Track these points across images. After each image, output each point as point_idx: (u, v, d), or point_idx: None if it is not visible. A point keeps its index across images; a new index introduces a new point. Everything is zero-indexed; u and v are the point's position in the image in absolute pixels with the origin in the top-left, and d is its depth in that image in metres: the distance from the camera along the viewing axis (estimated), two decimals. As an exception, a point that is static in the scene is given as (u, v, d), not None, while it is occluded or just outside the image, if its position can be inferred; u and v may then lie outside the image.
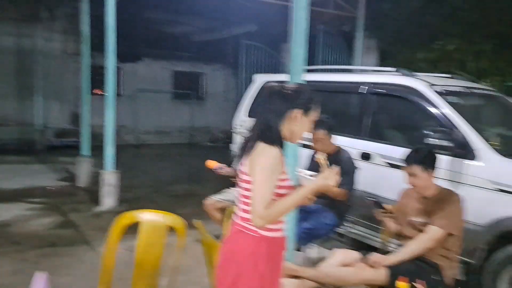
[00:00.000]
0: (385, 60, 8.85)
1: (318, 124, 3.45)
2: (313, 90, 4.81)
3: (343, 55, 9.43)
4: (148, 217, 2.39)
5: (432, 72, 6.39)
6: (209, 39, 11.44)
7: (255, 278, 1.72)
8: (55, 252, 4.01)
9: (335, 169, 1.89)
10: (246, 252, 1.72)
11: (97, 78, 11.51)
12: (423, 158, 2.63)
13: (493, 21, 7.46)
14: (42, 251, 4.00)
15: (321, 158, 2.40)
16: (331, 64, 9.21)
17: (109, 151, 5.48)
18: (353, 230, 4.01)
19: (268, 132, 1.73)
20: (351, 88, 4.25)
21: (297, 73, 2.47)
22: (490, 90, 4.12)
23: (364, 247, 3.74)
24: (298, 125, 1.80)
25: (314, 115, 1.86)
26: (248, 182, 1.72)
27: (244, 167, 1.74)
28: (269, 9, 8.58)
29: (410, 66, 7.59)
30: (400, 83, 3.79)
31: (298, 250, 3.40)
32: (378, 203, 2.81)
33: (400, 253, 2.58)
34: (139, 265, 2.33)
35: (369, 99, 4.00)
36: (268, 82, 5.36)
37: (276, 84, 1.92)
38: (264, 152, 1.69)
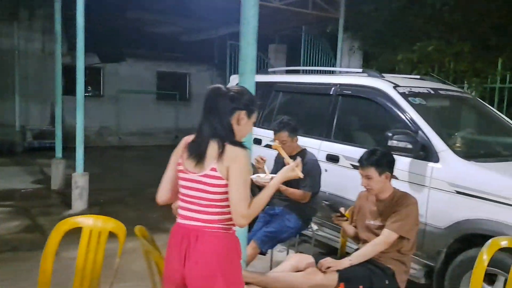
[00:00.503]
0: (369, 61, 8.85)
1: (281, 126, 3.40)
2: (284, 91, 4.77)
3: (327, 56, 9.41)
4: (88, 222, 2.30)
5: (411, 73, 6.43)
6: (195, 40, 11.35)
7: (236, 273, 1.83)
8: (16, 257, 3.91)
9: (298, 160, 2.08)
10: (223, 251, 1.78)
11: (84, 79, 11.50)
12: (377, 160, 2.58)
13: (472, 23, 7.48)
14: (2, 255, 3.90)
15: (277, 145, 2.38)
16: (314, 65, 9.20)
17: (80, 153, 5.38)
18: (320, 233, 3.95)
19: (228, 133, 1.79)
20: (319, 90, 4.20)
21: (248, 73, 2.40)
22: (459, 92, 4.08)
23: (333, 250, 3.70)
24: (243, 126, 1.86)
25: (255, 116, 1.93)
26: (220, 185, 1.75)
27: (212, 170, 1.76)
28: (259, 10, 8.52)
29: (391, 67, 7.62)
30: (365, 84, 3.74)
31: (262, 254, 3.33)
32: (333, 206, 2.75)
33: (352, 257, 2.52)
34: (80, 270, 2.25)
35: (336, 101, 3.95)
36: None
37: (221, 86, 1.91)
38: (240, 155, 1.75)
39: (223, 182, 1.75)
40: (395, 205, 2.57)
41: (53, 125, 10.06)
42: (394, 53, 7.55)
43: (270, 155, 3.74)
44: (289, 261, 2.62)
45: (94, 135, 11.20)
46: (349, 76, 4.23)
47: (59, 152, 6.45)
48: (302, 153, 3.48)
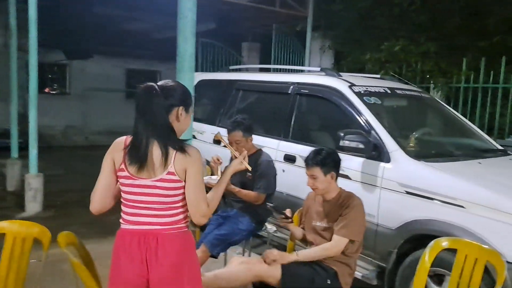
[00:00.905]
0: (340, 60, 8.86)
1: (234, 125, 3.31)
2: (244, 89, 4.67)
3: (299, 55, 9.37)
4: (13, 228, 2.15)
5: (379, 73, 6.43)
6: (165, 37, 11.12)
7: (197, 270, 1.90)
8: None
9: (245, 152, 2.20)
10: (189, 248, 1.83)
11: (49, 76, 11.16)
12: (323, 160, 2.52)
13: (438, 23, 7.56)
14: None
15: (220, 137, 2.51)
16: (285, 64, 9.14)
17: (33, 153, 5.15)
18: (278, 234, 3.88)
19: (169, 133, 1.75)
20: (278, 88, 4.13)
21: (186, 70, 2.29)
22: (418, 92, 4.07)
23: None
24: (182, 122, 1.83)
25: (193, 109, 1.91)
26: (178, 188, 1.75)
27: (169, 175, 1.73)
28: (228, 8, 8.42)
29: (360, 67, 7.64)
30: (322, 83, 3.68)
31: (214, 257, 3.23)
32: (277, 208, 2.67)
33: (300, 254, 2.47)
34: (2, 280, 2.10)
35: (294, 100, 3.89)
36: (202, 80, 5.20)
37: (153, 84, 1.84)
38: (196, 156, 1.77)
39: (181, 184, 1.75)
40: (341, 206, 2.52)
41: (20, 124, 9.76)
42: (363, 53, 7.57)
43: (228, 155, 3.65)
44: (234, 264, 2.52)
45: (60, 134, 10.87)
46: (307, 75, 4.18)
47: (14, 152, 6.19)
48: (258, 153, 3.40)
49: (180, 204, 1.79)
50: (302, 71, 5.07)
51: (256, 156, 3.38)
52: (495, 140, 4.96)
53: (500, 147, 3.82)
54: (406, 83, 4.27)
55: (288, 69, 5.53)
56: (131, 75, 11.84)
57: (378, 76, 4.36)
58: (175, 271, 1.76)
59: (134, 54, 11.39)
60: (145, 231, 1.77)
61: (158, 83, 1.83)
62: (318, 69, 4.00)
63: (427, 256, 2.31)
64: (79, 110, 10.86)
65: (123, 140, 1.83)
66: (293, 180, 3.65)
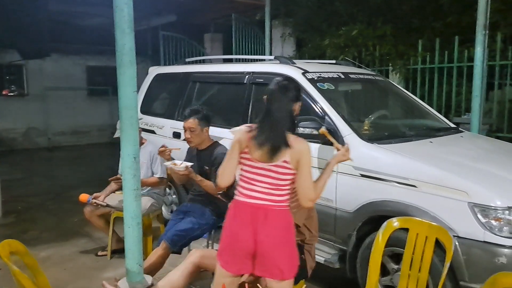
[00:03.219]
0: (301, 47, 8.87)
1: (190, 113, 3.26)
2: (200, 81, 4.59)
3: (259, 44, 9.32)
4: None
5: (338, 58, 6.48)
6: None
7: (294, 242, 2.15)
8: None
9: (347, 145, 2.48)
10: (290, 224, 2.11)
11: (6, 78, 10.69)
12: None
13: (394, 6, 7.67)
14: None
15: (325, 131, 2.69)
16: (246, 54, 9.08)
17: (-13, 158, 4.93)
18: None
19: (291, 124, 2.07)
20: (234, 79, 4.10)
21: (126, 64, 2.22)
22: (371, 75, 4.12)
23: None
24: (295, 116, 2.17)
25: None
26: (289, 174, 2.04)
27: (284, 162, 2.01)
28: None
29: (321, 53, 7.67)
30: (276, 71, 3.66)
31: (177, 253, 3.19)
32: (227, 195, 2.63)
33: None
34: None
35: (250, 89, 3.86)
36: (159, 74, 5.09)
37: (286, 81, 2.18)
38: (307, 148, 2.05)
39: (291, 172, 2.04)
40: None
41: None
42: (323, 39, 7.60)
43: (186, 148, 3.61)
44: (190, 259, 2.49)
45: (21, 137, 10.50)
46: (262, 64, 4.16)
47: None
48: (214, 145, 3.37)
49: (288, 187, 2.08)
50: (258, 60, 5.02)
51: (211, 148, 3.35)
52: (453, 119, 5.12)
53: (453, 125, 3.92)
54: (361, 67, 4.31)
55: (246, 59, 5.47)
56: (92, 72, 11.47)
57: (334, 61, 4.38)
58: (278, 242, 2.03)
59: (94, 51, 11.07)
60: (257, 205, 2.06)
61: (285, 81, 2.17)
62: (273, 57, 3.97)
63: (380, 236, 2.36)
64: (40, 111, 10.49)
65: (248, 128, 2.09)
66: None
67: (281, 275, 2.06)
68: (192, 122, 3.22)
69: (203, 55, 9.40)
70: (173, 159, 3.22)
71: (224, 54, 9.85)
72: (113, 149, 12.06)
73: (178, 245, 3.14)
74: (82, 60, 11.14)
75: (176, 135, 4.48)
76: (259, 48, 9.37)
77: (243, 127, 2.12)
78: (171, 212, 4.70)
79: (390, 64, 6.69)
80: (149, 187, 3.92)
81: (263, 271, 2.07)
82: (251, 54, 8.89)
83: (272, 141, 2.00)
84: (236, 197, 2.13)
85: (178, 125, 4.50)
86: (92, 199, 3.76)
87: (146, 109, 5.02)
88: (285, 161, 2.02)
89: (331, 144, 3.08)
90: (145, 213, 3.73)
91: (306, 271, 2.46)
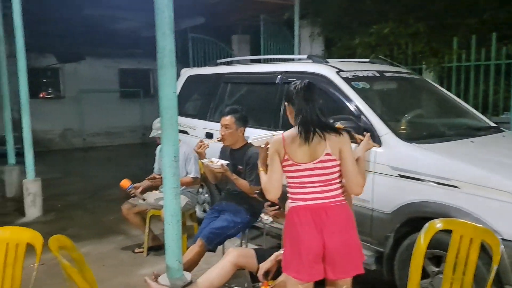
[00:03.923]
0: (331, 47, 8.79)
1: (229, 111, 3.31)
2: (232, 82, 4.63)
3: (288, 44, 9.30)
4: (4, 235, 2.15)
5: (369, 57, 6.38)
6: (155, 34, 11.07)
7: (357, 233, 2.16)
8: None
9: (367, 134, 2.50)
10: (350, 216, 2.13)
11: (43, 81, 11.11)
12: None
13: (427, 3, 7.49)
14: None
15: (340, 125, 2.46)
16: (275, 54, 9.08)
17: (29, 158, 5.15)
18: (276, 225, 3.88)
19: (326, 119, 2.14)
20: (265, 79, 4.11)
21: (167, 66, 2.27)
22: (407, 73, 4.04)
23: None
24: None
25: None
26: (336, 166, 2.06)
27: (327, 155, 2.03)
28: (215, 1, 8.35)
29: (350, 52, 7.58)
30: (309, 70, 3.65)
31: (211, 251, 3.23)
32: (263, 195, 2.62)
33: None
34: (-2, 287, 2.10)
35: (282, 89, 3.85)
36: (191, 75, 5.17)
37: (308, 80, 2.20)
38: (346, 137, 2.08)
39: (337, 163, 2.06)
40: None
41: (16, 130, 9.74)
42: (353, 38, 7.51)
43: (218, 148, 3.65)
44: (228, 258, 2.52)
45: (58, 138, 10.88)
46: (294, 63, 4.15)
47: (11, 159, 6.20)
48: (247, 146, 3.39)
49: (338, 180, 2.10)
50: (290, 60, 5.02)
51: (245, 148, 3.37)
52: (490, 118, 4.95)
53: (493, 125, 3.80)
54: (396, 66, 4.23)
55: (276, 59, 5.47)
56: (124, 74, 11.81)
57: (367, 60, 4.33)
58: (346, 238, 2.05)
59: (125, 54, 11.35)
60: (315, 205, 2.06)
61: (307, 80, 2.20)
62: (305, 56, 3.96)
63: (422, 238, 2.30)
64: (75, 113, 10.86)
65: (280, 137, 2.10)
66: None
67: (355, 269, 2.08)
68: (228, 119, 3.26)
69: (230, 57, 9.47)
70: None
71: (251, 55, 9.89)
72: (144, 149, 12.39)
73: (214, 243, 3.17)
74: (114, 63, 11.45)
75: (209, 135, 4.53)
76: (287, 49, 9.35)
77: (276, 138, 2.11)
78: (204, 211, 4.75)
79: (423, 63, 6.54)
80: (183, 186, 3.98)
81: (336, 272, 2.06)
82: (279, 55, 8.89)
83: (309, 138, 2.02)
84: (291, 204, 2.12)
85: (210, 126, 4.56)
86: (133, 187, 3.82)
87: (179, 110, 5.07)
88: (327, 154, 2.04)
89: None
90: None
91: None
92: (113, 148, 11.08)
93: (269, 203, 2.58)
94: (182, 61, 11.64)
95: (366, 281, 3.44)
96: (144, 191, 3.95)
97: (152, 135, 3.94)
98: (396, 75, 3.85)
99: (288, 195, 2.13)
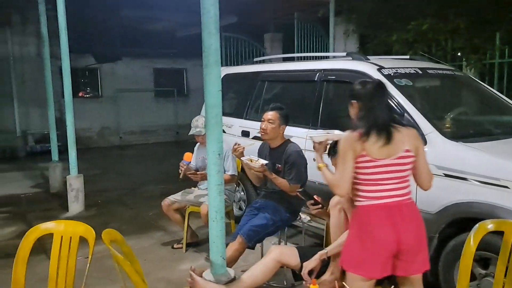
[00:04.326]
0: (365, 44, 8.65)
1: (274, 107, 3.33)
2: (269, 80, 4.64)
3: (322, 42, 9.23)
4: (59, 228, 2.25)
5: (407, 54, 6.24)
6: (189, 34, 11.23)
7: None
8: (9, 263, 3.87)
9: None
10: (419, 214, 2.16)
11: (82, 81, 11.52)
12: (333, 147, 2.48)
13: (467, -3, 7.24)
14: (-6, 263, 3.90)
15: None
16: (308, 51, 9.03)
17: (72, 155, 5.34)
18: (313, 224, 3.87)
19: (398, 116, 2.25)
20: (304, 77, 4.09)
21: (212, 65, 2.30)
22: (450, 70, 3.93)
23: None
24: None
25: None
26: (412, 162, 2.06)
27: (406, 152, 2.04)
28: (250, 0, 8.41)
29: (386, 49, 7.43)
30: (349, 68, 3.61)
31: (250, 248, 3.26)
32: (306, 193, 2.62)
33: (329, 249, 2.41)
34: (53, 278, 2.20)
35: (321, 87, 3.84)
36: (227, 74, 5.21)
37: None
38: (417, 133, 2.13)
39: (413, 160, 2.06)
40: None
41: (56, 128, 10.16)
42: (389, 34, 7.36)
43: (255, 147, 3.67)
44: (271, 255, 2.53)
45: (96, 136, 11.24)
46: (333, 61, 4.11)
47: (55, 155, 6.45)
48: (286, 144, 3.39)
49: (409, 177, 2.10)
50: (327, 57, 4.98)
51: (284, 146, 3.37)
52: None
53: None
54: (438, 62, 4.12)
55: (314, 56, 5.44)
56: (159, 74, 12.05)
57: (407, 57, 4.23)
58: (418, 234, 2.08)
59: (160, 54, 11.58)
60: (390, 203, 2.04)
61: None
62: (344, 54, 3.92)
63: (472, 239, 2.23)
64: (112, 112, 11.19)
65: (354, 134, 2.04)
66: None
67: (425, 266, 2.10)
68: (273, 114, 3.28)
69: (263, 55, 9.49)
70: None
71: (283, 53, 9.87)
72: (178, 147, 12.59)
73: (253, 240, 3.19)
74: (149, 63, 11.70)
75: (245, 133, 4.57)
76: (320, 46, 9.28)
77: (350, 134, 2.05)
78: (239, 209, 4.79)
79: (463, 59, 6.33)
80: (222, 184, 4.02)
81: (410, 269, 2.07)
82: (313, 52, 8.83)
83: (390, 134, 2.02)
84: (362, 203, 2.08)
85: (246, 124, 4.59)
86: (187, 164, 3.85)
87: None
88: (407, 150, 2.04)
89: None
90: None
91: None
92: (148, 146, 11.34)
93: (312, 201, 2.58)
94: (215, 60, 11.79)
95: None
96: (184, 177, 3.97)
97: (191, 133, 4.01)
98: (439, 72, 3.75)
99: (359, 193, 2.09)
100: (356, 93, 2.16)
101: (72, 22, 5.76)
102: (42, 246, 4.26)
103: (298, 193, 2.64)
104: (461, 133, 3.03)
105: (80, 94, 11.36)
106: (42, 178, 7.42)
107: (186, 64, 12.25)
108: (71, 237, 2.23)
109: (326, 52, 8.69)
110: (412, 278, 2.12)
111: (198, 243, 4.20)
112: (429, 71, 3.65)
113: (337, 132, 2.41)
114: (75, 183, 5.36)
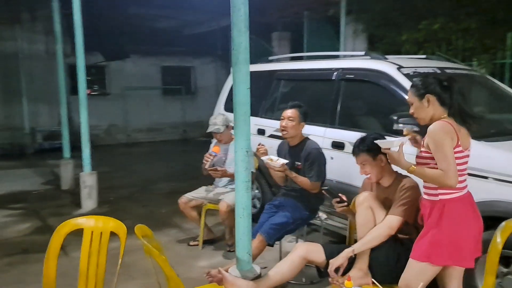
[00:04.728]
0: (374, 43, 8.66)
1: (294, 105, 3.35)
2: (285, 79, 4.66)
3: (331, 40, 9.23)
4: (90, 223, 2.28)
5: (417, 53, 6.25)
6: (197, 32, 11.26)
7: None
8: (25, 259, 3.92)
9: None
10: None
11: (89, 78, 11.52)
12: (369, 145, 2.50)
13: (478, -2, 7.24)
14: (12, 258, 3.92)
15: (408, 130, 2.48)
16: (317, 51, 9.02)
17: (86, 152, 5.38)
18: (329, 222, 3.90)
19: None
20: (321, 75, 4.10)
21: (242, 63, 2.32)
22: (467, 70, 3.94)
23: (342, 238, 3.63)
24: None
25: None
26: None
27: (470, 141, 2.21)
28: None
29: (396, 49, 7.44)
30: (369, 67, 3.63)
31: (270, 245, 3.28)
32: (331, 192, 2.64)
33: (355, 246, 2.42)
34: (83, 272, 2.23)
35: (339, 86, 3.85)
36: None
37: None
38: None
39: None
40: (397, 190, 2.49)
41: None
42: (399, 34, 7.36)
43: (273, 145, 3.69)
44: (297, 252, 2.55)
45: (103, 133, 11.26)
46: (351, 60, 4.12)
47: (67, 153, 6.47)
48: (305, 142, 3.41)
49: None
50: (337, 56, 4.98)
51: (303, 144, 3.40)
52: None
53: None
54: (454, 62, 4.13)
55: (328, 55, 5.45)
56: (166, 72, 12.06)
57: (424, 56, 4.24)
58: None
59: (168, 52, 11.61)
60: (469, 192, 2.22)
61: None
62: (363, 53, 3.93)
63: (499, 237, 2.25)
64: (120, 109, 11.20)
65: (448, 124, 2.11)
66: (343, 167, 3.63)
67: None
68: (293, 111, 3.31)
69: (271, 54, 9.50)
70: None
71: (291, 53, 9.87)
72: (185, 146, 12.58)
73: (274, 238, 3.22)
74: (157, 60, 11.72)
75: (261, 132, 4.58)
76: (330, 46, 9.28)
77: (444, 124, 2.10)
78: (253, 206, 4.81)
79: (474, 59, 6.34)
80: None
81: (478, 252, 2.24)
82: (322, 52, 8.83)
83: (471, 126, 2.17)
84: (456, 195, 2.15)
85: (262, 122, 4.61)
86: (215, 156, 3.87)
87: (230, 106, 5.17)
88: (470, 142, 2.22)
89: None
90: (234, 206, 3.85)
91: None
92: (155, 144, 11.36)
93: (337, 199, 2.60)
94: (223, 59, 11.82)
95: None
96: (206, 172, 3.98)
97: (209, 130, 4.03)
98: (457, 71, 3.76)
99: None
100: (431, 86, 2.18)
101: (82, 20, 5.78)
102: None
103: (323, 191, 2.66)
104: (483, 132, 3.02)
105: (87, 92, 11.39)
106: (52, 175, 7.46)
107: (193, 62, 12.27)
108: (101, 233, 2.25)
109: (335, 51, 8.69)
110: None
111: (214, 240, 4.23)
112: (447, 71, 3.66)
113: (395, 138, 2.43)
114: (89, 180, 5.39)
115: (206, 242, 4.14)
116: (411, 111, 2.31)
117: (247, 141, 2.42)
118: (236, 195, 2.48)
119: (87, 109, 5.33)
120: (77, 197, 5.73)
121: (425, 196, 2.24)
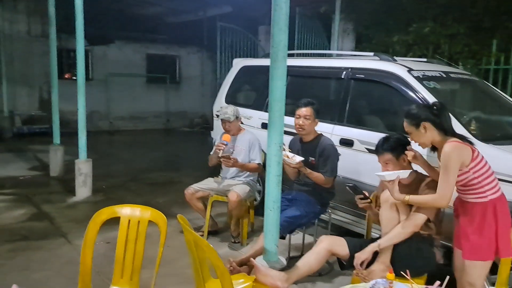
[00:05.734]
0: (361, 43, 8.85)
1: (308, 102, 3.43)
2: (291, 75, 4.71)
3: (320, 38, 9.36)
4: (128, 212, 2.29)
5: (406, 56, 6.47)
6: (184, 21, 11.12)
7: None
8: (28, 246, 3.85)
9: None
10: None
11: (66, 62, 11.19)
12: (393, 145, 2.62)
13: (466, 4, 7.54)
14: (14, 245, 3.84)
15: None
16: (307, 48, 9.14)
17: (82, 139, 5.29)
18: (336, 217, 4.01)
19: None
20: (330, 74, 4.21)
21: (280, 59, 2.39)
22: (467, 75, 4.15)
23: (346, 232, 3.77)
24: None
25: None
26: None
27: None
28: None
29: (384, 49, 7.65)
30: (379, 68, 3.76)
31: (282, 238, 3.37)
32: (356, 189, 2.75)
33: (381, 241, 2.53)
34: (119, 261, 2.25)
35: (348, 85, 3.97)
36: (245, 66, 5.27)
37: None
38: None
39: None
40: (421, 189, 2.62)
41: (42, 110, 9.82)
42: (388, 35, 7.58)
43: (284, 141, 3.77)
44: (322, 244, 2.65)
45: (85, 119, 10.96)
46: (361, 60, 4.24)
47: (57, 139, 6.32)
48: (319, 138, 3.52)
49: None
50: (329, 55, 5.10)
51: (317, 140, 3.50)
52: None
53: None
54: (454, 67, 4.33)
55: (329, 55, 5.58)
56: (151, 60, 11.86)
57: (425, 60, 4.42)
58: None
59: (153, 39, 11.42)
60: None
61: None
62: (371, 54, 4.06)
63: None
64: (102, 96, 10.94)
65: (463, 145, 2.33)
66: (351, 163, 3.76)
67: None
68: (308, 110, 3.39)
69: (257, 47, 9.52)
70: None
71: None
72: (169, 135, 12.44)
73: (287, 231, 3.32)
74: (142, 48, 11.52)
75: (265, 126, 4.65)
76: (318, 43, 9.41)
77: (460, 146, 2.31)
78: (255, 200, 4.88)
79: (460, 64, 6.62)
80: (247, 174, 4.11)
81: None
82: (310, 49, 8.94)
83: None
84: (491, 196, 2.32)
85: (267, 117, 4.65)
86: (226, 145, 3.90)
87: (232, 99, 5.21)
88: None
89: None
90: (243, 198, 3.93)
91: (435, 264, 2.58)
92: (138, 133, 11.19)
93: (361, 196, 2.71)
94: (208, 49, 11.74)
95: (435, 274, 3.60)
96: (215, 161, 4.02)
97: (221, 117, 4.03)
98: (460, 76, 3.96)
99: (483, 189, 2.31)
100: (426, 115, 2.37)
101: (65, 1, 5.64)
102: (58, 230, 4.28)
103: (347, 188, 2.76)
104: (490, 136, 3.22)
105: (66, 76, 11.04)
106: (37, 160, 7.26)
107: (179, 51, 12.13)
108: (139, 221, 2.28)
109: (324, 49, 8.83)
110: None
111: (218, 231, 4.28)
112: (452, 75, 3.85)
113: (403, 171, 2.55)
114: (84, 168, 5.31)
115: (210, 233, 4.19)
116: (410, 138, 2.51)
117: (280, 136, 2.49)
118: (267, 189, 2.55)
119: (85, 95, 5.23)
120: (68, 184, 5.64)
121: (471, 200, 2.37)
